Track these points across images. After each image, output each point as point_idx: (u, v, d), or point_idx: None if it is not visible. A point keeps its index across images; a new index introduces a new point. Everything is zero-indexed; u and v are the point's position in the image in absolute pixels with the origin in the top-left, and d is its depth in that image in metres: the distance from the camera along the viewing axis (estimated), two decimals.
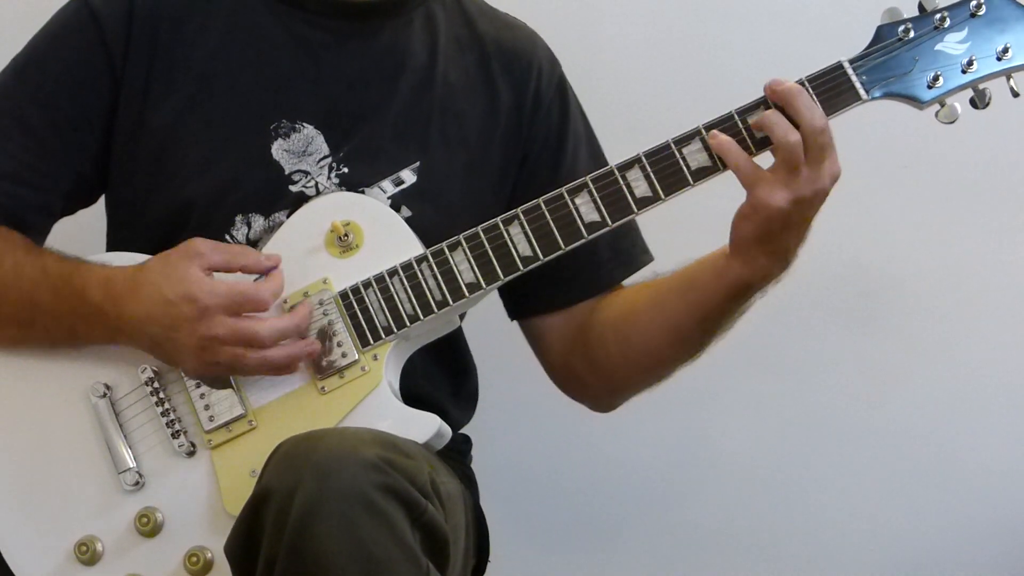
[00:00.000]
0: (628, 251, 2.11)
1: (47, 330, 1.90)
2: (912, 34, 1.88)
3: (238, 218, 1.97)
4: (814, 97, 1.85)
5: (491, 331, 2.17)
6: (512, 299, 2.14)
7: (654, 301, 2.00)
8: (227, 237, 1.97)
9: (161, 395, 1.90)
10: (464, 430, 2.17)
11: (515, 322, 2.16)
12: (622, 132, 2.17)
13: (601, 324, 2.06)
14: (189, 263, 1.84)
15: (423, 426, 1.87)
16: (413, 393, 1.95)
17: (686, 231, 2.08)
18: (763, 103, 1.87)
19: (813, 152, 1.82)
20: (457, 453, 2.11)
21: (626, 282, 2.11)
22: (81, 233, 2.09)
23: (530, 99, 2.09)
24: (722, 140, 1.84)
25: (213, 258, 1.85)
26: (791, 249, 1.87)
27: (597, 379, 2.09)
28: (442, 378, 2.09)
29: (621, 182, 1.89)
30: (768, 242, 1.85)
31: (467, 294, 1.90)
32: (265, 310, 1.85)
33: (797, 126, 1.81)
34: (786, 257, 1.87)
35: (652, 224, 2.05)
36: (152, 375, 1.91)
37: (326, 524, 1.59)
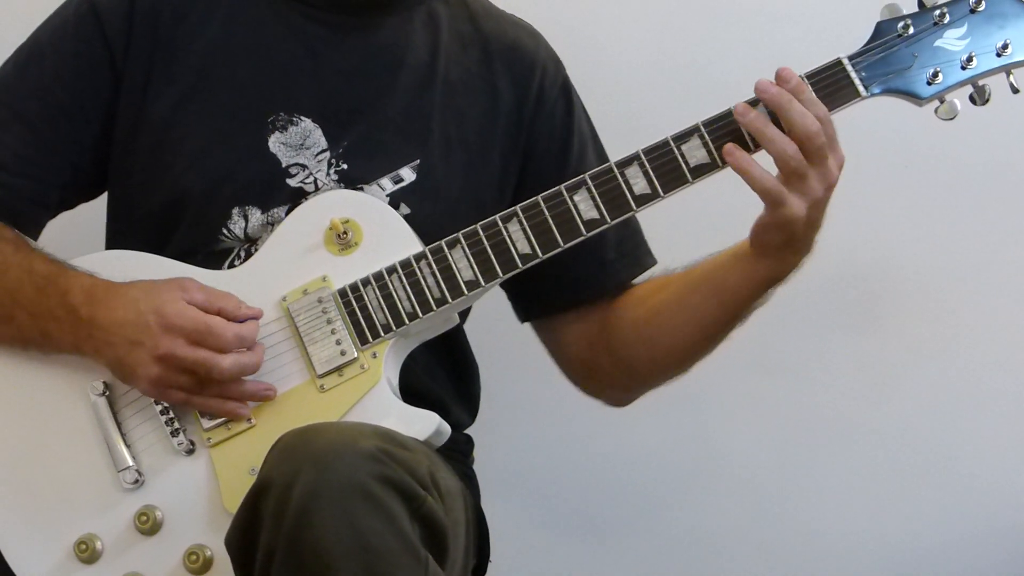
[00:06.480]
0: (633, 252, 2.11)
1: (21, 329, 1.90)
2: (911, 30, 1.88)
3: (235, 211, 1.97)
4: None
5: (493, 333, 2.18)
6: (520, 302, 2.15)
7: (680, 303, 2.01)
8: (224, 230, 1.97)
9: None
10: (466, 431, 2.17)
11: (518, 325, 2.17)
12: (621, 129, 2.18)
13: (625, 327, 2.07)
14: (172, 290, 1.85)
15: (422, 423, 1.86)
16: (416, 390, 1.95)
17: (689, 230, 2.08)
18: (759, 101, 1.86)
19: (815, 155, 1.82)
20: (459, 453, 2.11)
21: (636, 282, 2.12)
22: (80, 230, 2.09)
23: (532, 98, 2.10)
24: (741, 159, 1.84)
25: (196, 294, 1.85)
26: (814, 238, 1.90)
27: (622, 376, 2.11)
28: (445, 377, 2.09)
29: (620, 179, 1.89)
30: (794, 243, 1.88)
31: (466, 292, 1.90)
32: (224, 352, 1.83)
33: (790, 130, 1.82)
34: (811, 246, 1.91)
35: (658, 223, 2.06)
36: None
37: (325, 515, 1.59)
